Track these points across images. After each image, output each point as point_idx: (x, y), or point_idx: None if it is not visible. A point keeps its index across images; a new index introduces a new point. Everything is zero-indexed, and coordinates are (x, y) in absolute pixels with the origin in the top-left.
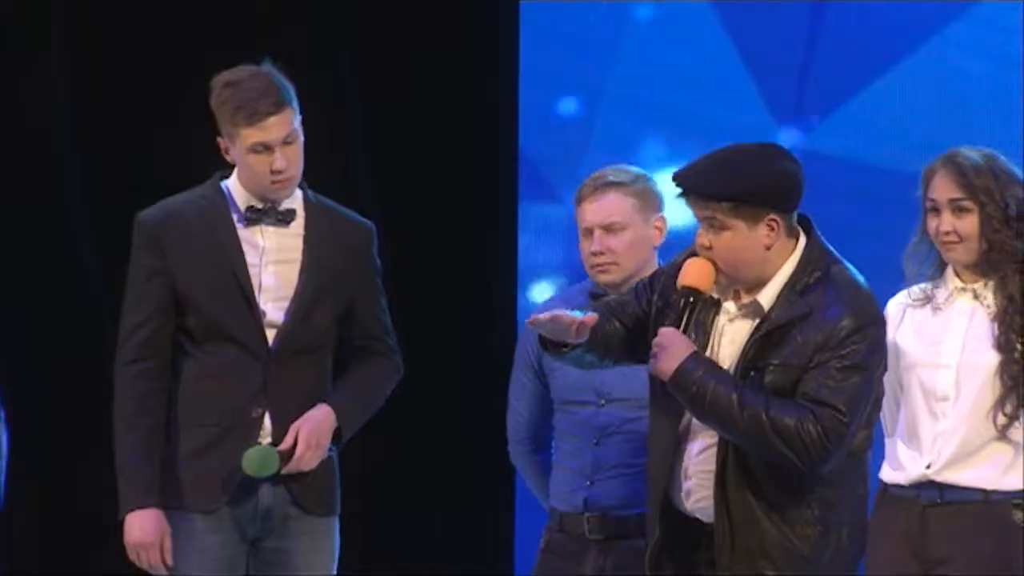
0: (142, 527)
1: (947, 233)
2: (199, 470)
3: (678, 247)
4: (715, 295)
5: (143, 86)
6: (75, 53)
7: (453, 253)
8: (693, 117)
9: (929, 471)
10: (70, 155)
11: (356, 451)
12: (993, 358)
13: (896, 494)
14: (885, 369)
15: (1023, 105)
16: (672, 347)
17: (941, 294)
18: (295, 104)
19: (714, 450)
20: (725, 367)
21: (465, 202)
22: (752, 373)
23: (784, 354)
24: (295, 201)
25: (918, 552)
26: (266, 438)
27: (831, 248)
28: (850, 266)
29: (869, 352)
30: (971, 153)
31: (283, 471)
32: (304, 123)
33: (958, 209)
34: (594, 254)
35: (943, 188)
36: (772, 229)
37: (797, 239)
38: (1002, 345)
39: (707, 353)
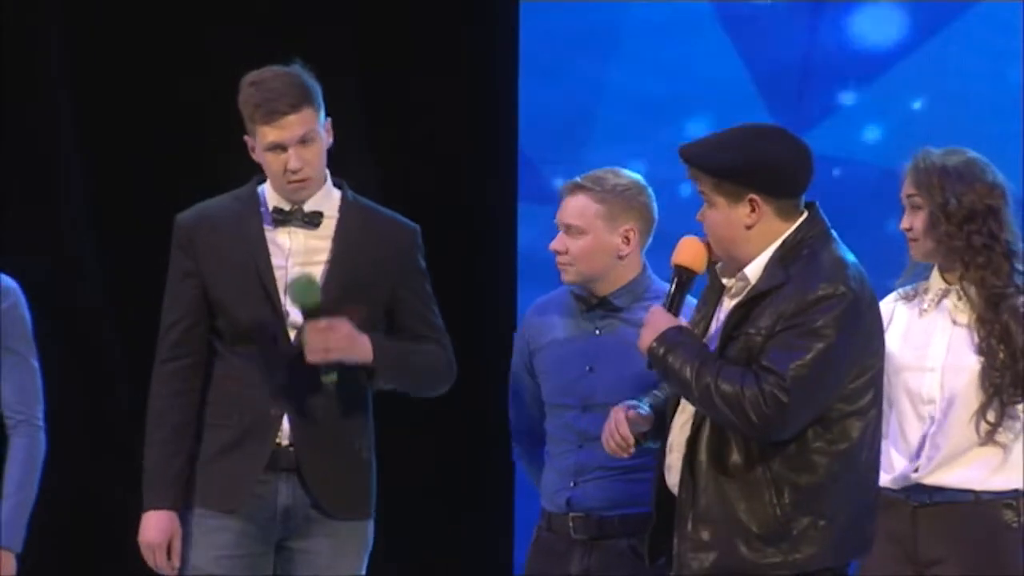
0: (154, 527)
1: (907, 230)
2: (219, 469)
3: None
4: (721, 276)
5: (143, 87)
6: (75, 53)
7: (453, 253)
8: (693, 117)
9: (917, 474)
10: (71, 155)
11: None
12: (976, 361)
13: (887, 497)
14: (874, 354)
15: (1023, 104)
16: (654, 323)
17: (927, 294)
18: (318, 105)
19: (691, 421)
20: (713, 342)
21: (465, 202)
22: (728, 343)
23: (757, 324)
24: (326, 203)
25: (910, 554)
26: (284, 440)
27: (833, 234)
28: (846, 250)
29: (834, 322)
30: (934, 152)
31: (305, 342)
32: None
33: (912, 206)
34: (555, 252)
35: (904, 185)
36: (753, 210)
37: (795, 222)
38: (984, 350)
39: (708, 330)
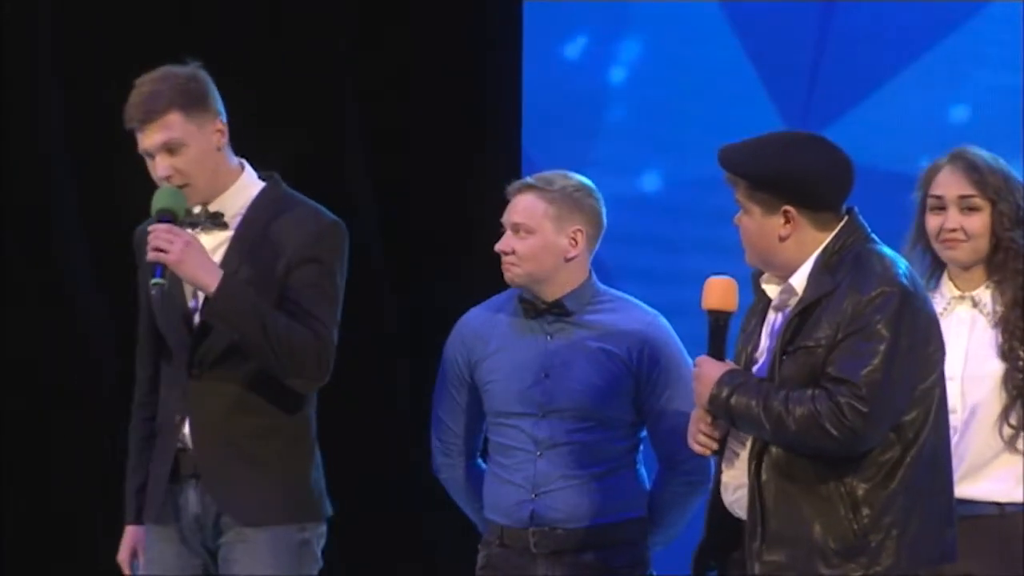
0: (122, 542)
1: (952, 231)
2: (152, 482)
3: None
4: (764, 287)
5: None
6: (70, 53)
7: (457, 256)
8: (701, 119)
9: None
10: (61, 155)
11: (348, 450)
12: (998, 367)
13: None
14: (937, 350)
15: None
16: (706, 374)
17: (938, 304)
18: (194, 110)
19: (747, 442)
20: (768, 356)
21: (468, 204)
22: (783, 357)
23: (815, 335)
24: (234, 201)
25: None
26: (187, 446)
27: (874, 237)
28: (887, 248)
29: (893, 319)
30: (981, 152)
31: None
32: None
33: (967, 207)
34: (502, 252)
35: (952, 185)
36: (787, 221)
37: (834, 230)
38: (1006, 354)
39: (755, 344)
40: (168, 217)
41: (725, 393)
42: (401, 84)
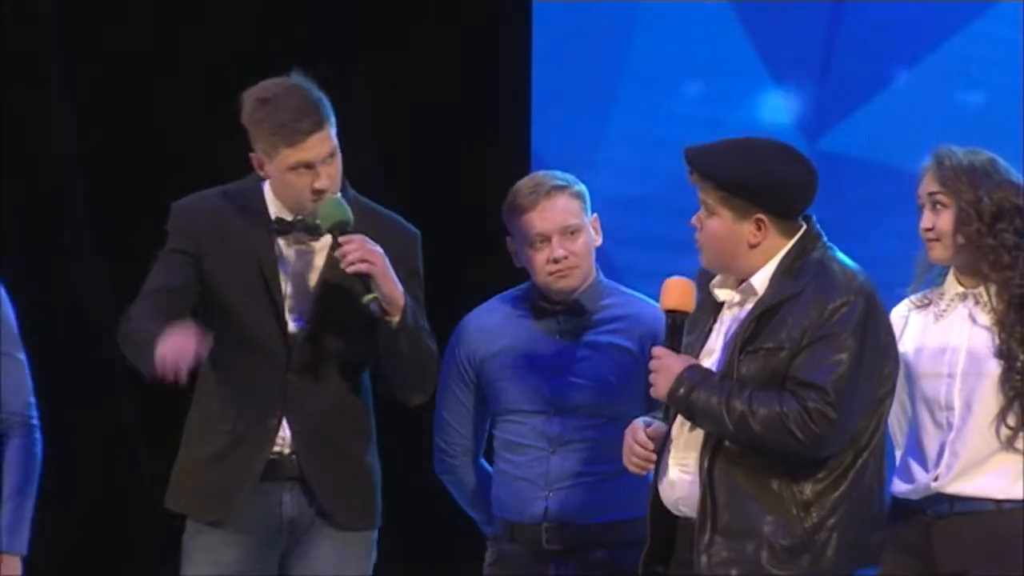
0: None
1: (926, 230)
2: (208, 478)
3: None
4: (716, 291)
5: (146, 87)
6: (76, 54)
7: (464, 256)
8: (711, 118)
9: (937, 483)
10: (70, 155)
11: None
12: (996, 367)
13: (906, 508)
14: (894, 359)
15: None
16: (665, 368)
17: (942, 300)
18: (332, 118)
19: (697, 437)
20: (724, 354)
21: (477, 204)
22: (741, 357)
23: (776, 337)
24: None
25: (930, 566)
26: (285, 448)
27: (828, 242)
28: (845, 256)
29: (858, 326)
30: (957, 150)
31: (337, 253)
32: None
33: (936, 204)
34: (556, 260)
35: (925, 184)
36: (759, 229)
37: (795, 236)
38: (1003, 353)
39: (702, 346)
40: (348, 228)
41: (685, 388)
42: (409, 85)
